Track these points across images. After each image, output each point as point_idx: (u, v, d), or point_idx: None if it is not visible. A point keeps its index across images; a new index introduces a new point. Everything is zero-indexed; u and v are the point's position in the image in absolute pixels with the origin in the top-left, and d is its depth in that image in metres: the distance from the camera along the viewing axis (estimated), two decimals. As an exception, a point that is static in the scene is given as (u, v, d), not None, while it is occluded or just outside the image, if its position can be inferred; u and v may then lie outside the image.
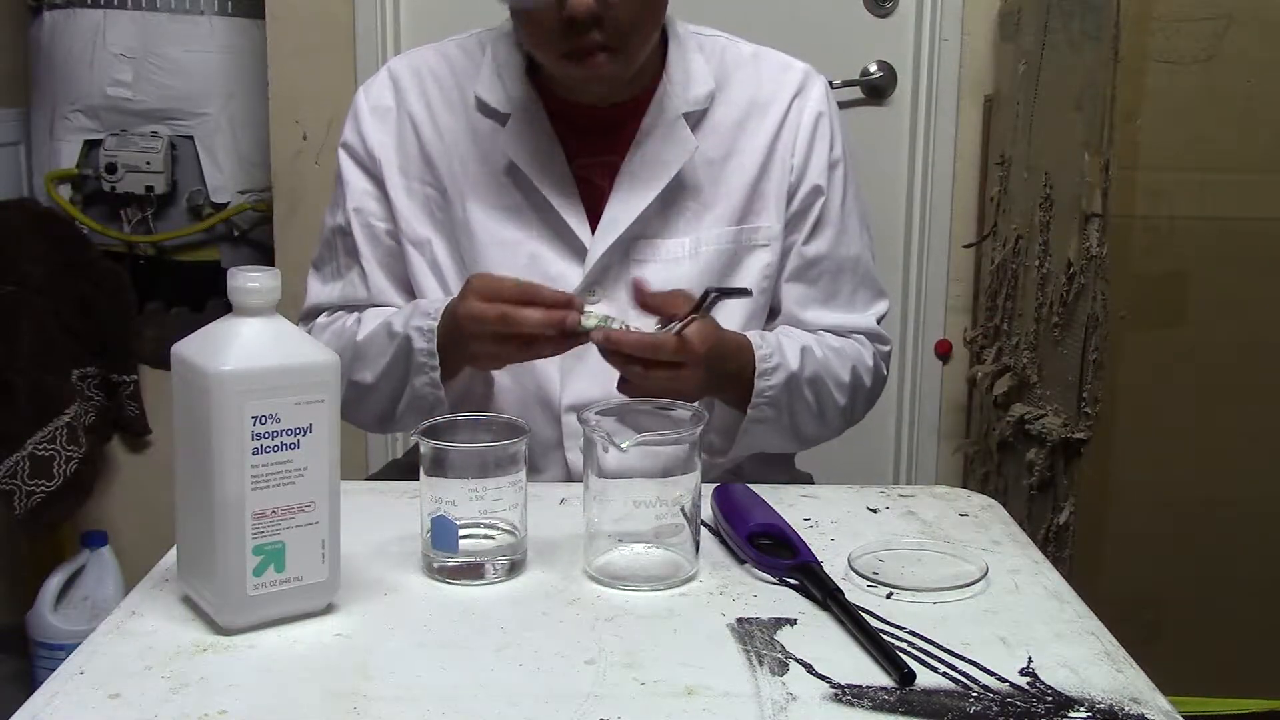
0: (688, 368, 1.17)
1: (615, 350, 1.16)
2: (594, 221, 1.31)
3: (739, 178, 1.34)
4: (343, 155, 1.38)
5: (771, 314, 1.39)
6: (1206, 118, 1.71)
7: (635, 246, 1.31)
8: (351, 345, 1.31)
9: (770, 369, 1.27)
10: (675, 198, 1.32)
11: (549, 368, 1.30)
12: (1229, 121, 1.72)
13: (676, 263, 1.31)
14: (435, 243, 1.34)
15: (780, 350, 1.29)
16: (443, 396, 1.25)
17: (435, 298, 1.31)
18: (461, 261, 1.33)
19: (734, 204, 1.33)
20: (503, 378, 1.32)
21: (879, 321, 1.42)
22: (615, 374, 1.19)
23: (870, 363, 1.39)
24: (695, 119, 1.33)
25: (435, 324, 1.24)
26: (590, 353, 1.21)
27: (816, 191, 1.36)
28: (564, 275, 1.30)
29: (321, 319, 1.40)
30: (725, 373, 1.24)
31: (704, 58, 1.35)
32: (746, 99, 1.35)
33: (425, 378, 1.25)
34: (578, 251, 1.31)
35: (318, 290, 1.42)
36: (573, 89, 1.31)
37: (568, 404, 1.31)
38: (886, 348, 1.43)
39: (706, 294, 1.18)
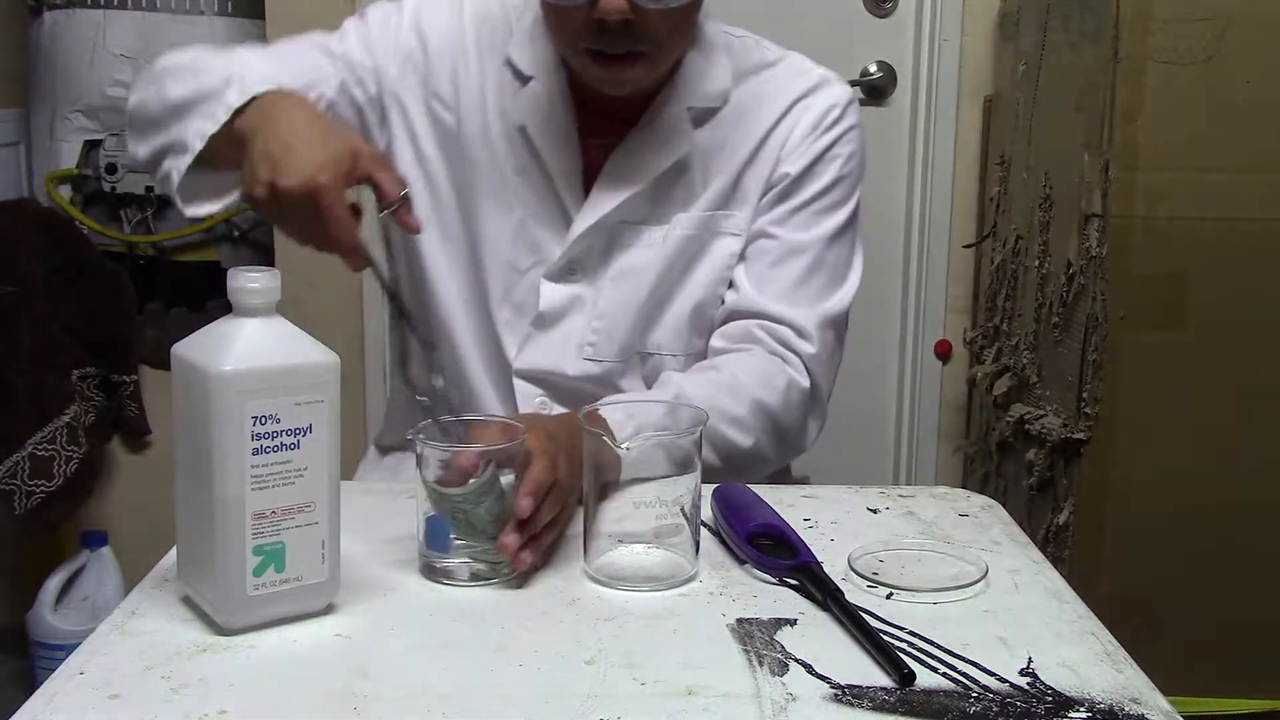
0: (561, 468, 1.02)
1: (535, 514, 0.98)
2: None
3: (725, 168, 1.32)
4: (370, 20, 1.36)
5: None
6: (1206, 118, 1.72)
7: (619, 230, 1.30)
8: (194, 58, 1.23)
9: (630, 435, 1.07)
10: (667, 188, 1.31)
11: (506, 333, 1.31)
12: (1229, 121, 1.72)
13: (649, 248, 1.30)
14: (435, 164, 1.32)
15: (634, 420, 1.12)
16: (195, 148, 1.13)
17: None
18: (460, 195, 1.32)
19: (714, 193, 1.32)
20: (460, 339, 1.32)
21: (836, 314, 1.32)
22: (570, 345, 1.27)
23: (781, 383, 1.26)
24: (704, 115, 1.31)
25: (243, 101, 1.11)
26: (554, 325, 1.28)
27: (785, 177, 1.31)
28: (544, 246, 1.30)
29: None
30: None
31: (728, 57, 1.33)
32: (753, 98, 1.34)
33: (198, 124, 1.13)
34: (563, 226, 1.30)
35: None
36: (591, 84, 1.27)
37: (519, 369, 1.31)
38: (813, 349, 1.28)
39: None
